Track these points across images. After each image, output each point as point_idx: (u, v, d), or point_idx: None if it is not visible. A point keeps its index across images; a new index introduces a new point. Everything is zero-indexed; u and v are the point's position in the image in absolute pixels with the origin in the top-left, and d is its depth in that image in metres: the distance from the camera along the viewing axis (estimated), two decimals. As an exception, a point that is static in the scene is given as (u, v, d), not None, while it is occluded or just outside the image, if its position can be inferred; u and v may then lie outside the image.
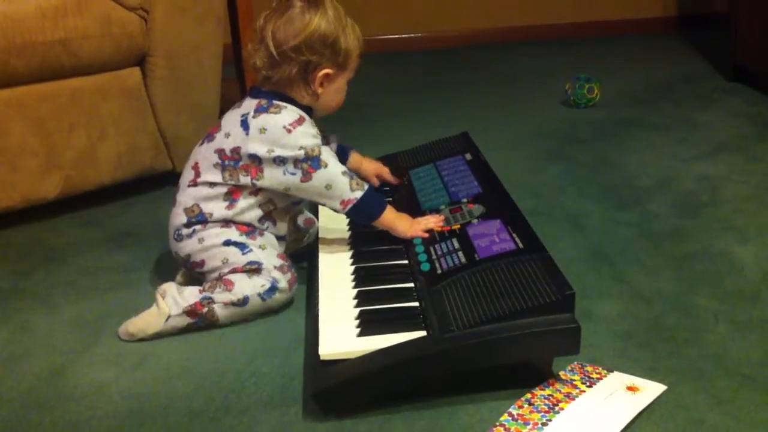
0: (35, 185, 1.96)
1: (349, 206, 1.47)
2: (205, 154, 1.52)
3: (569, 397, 1.21)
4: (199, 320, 1.46)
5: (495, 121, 2.78)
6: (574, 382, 1.25)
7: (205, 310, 1.46)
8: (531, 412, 1.18)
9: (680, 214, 1.93)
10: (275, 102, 1.48)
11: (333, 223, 1.67)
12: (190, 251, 1.52)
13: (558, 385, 1.24)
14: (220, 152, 1.49)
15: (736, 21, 3.11)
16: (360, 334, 1.27)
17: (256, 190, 1.49)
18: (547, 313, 1.18)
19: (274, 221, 1.55)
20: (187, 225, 1.51)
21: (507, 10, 4.10)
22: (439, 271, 1.37)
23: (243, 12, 2.55)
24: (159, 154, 2.16)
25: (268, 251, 1.51)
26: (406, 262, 1.48)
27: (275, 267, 1.49)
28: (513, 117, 2.84)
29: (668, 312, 1.48)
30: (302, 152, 1.44)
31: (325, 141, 1.55)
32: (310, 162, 1.44)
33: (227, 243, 1.49)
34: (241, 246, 1.49)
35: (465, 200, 1.59)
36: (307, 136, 1.45)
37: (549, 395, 1.21)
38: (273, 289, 1.48)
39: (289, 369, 1.35)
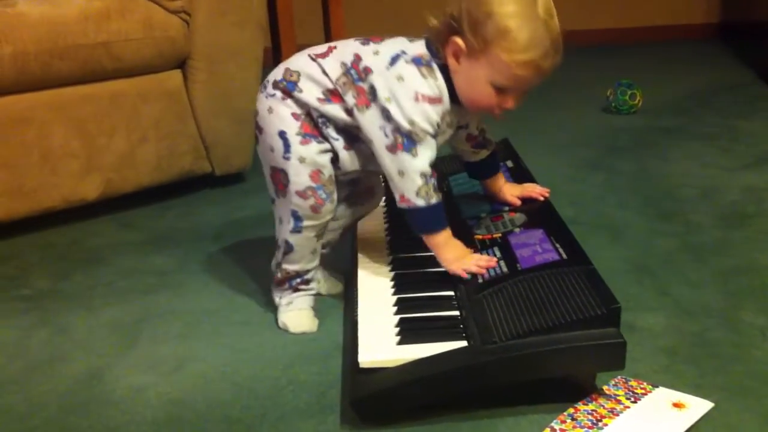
0: (76, 187, 1.98)
1: (404, 205, 1.37)
2: (346, 47, 1.42)
3: (613, 412, 1.18)
4: (289, 282, 1.51)
5: (535, 128, 2.75)
6: (618, 398, 1.22)
7: (279, 274, 1.50)
8: (574, 427, 1.16)
9: (724, 225, 1.89)
10: (434, 65, 1.35)
11: (371, 229, 1.66)
12: (259, 108, 1.45)
13: (601, 400, 1.21)
14: (356, 58, 1.39)
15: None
16: (400, 343, 1.26)
17: (351, 112, 1.38)
18: (592, 327, 1.16)
19: (350, 145, 1.42)
20: (275, 85, 1.42)
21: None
22: (480, 280, 1.35)
23: (283, 17, 2.55)
24: (198, 158, 2.17)
25: (304, 166, 1.40)
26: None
27: (297, 191, 1.41)
28: (554, 123, 2.81)
29: (714, 327, 1.45)
30: (407, 126, 1.32)
31: (479, 145, 1.52)
32: (405, 139, 1.33)
33: (281, 134, 1.40)
34: (287, 147, 1.40)
35: (506, 209, 1.57)
36: (425, 118, 1.33)
37: (592, 410, 1.19)
38: (297, 219, 1.43)
39: (327, 377, 1.34)
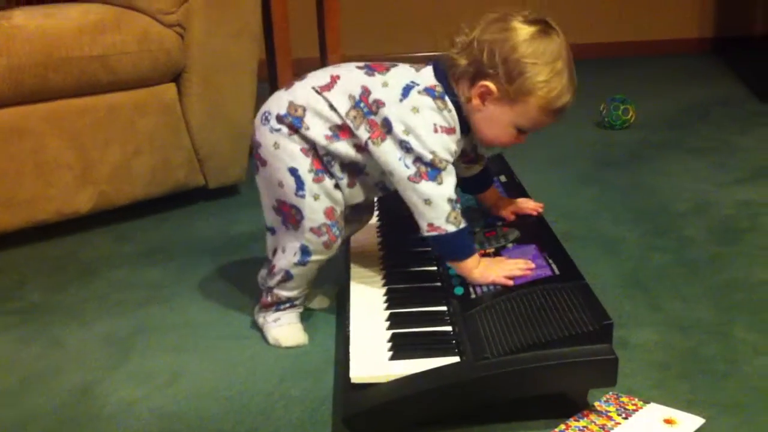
0: (70, 199, 1.98)
1: (434, 233, 1.35)
2: (351, 78, 1.39)
3: (604, 429, 1.18)
4: (277, 306, 1.51)
5: (529, 143, 2.72)
6: (609, 414, 1.22)
7: (270, 298, 1.50)
8: (566, 443, 1.16)
9: (718, 240, 1.90)
10: (446, 98, 1.35)
11: (365, 243, 1.66)
12: (263, 142, 1.41)
13: (593, 417, 1.22)
14: (365, 90, 1.37)
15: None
16: (392, 358, 1.25)
17: (363, 147, 1.38)
18: (585, 343, 1.16)
19: (353, 180, 1.43)
20: (280, 120, 1.39)
21: (541, 30, 4.08)
22: (473, 296, 1.35)
23: (278, 29, 2.56)
24: (192, 171, 2.17)
25: (319, 203, 1.40)
26: (439, 284, 1.46)
27: (311, 228, 1.41)
28: (547, 138, 2.79)
29: (706, 342, 1.45)
30: (430, 156, 1.32)
31: (471, 161, 1.52)
32: (429, 169, 1.33)
33: (292, 171, 1.39)
34: (300, 184, 1.39)
35: (500, 224, 1.57)
36: (445, 149, 1.34)
37: (584, 427, 1.19)
38: (306, 253, 1.43)
39: (319, 392, 1.34)
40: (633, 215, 2.08)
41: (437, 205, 1.34)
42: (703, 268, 1.75)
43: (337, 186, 1.41)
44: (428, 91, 1.35)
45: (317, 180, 1.39)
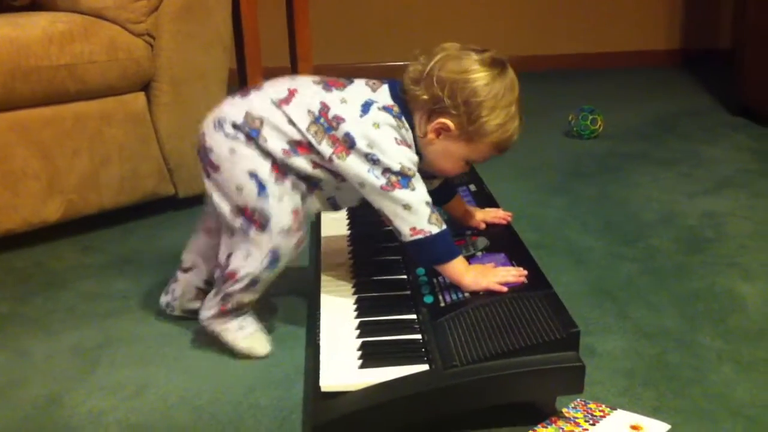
0: (37, 209, 1.96)
1: (419, 236, 1.35)
2: (309, 94, 1.39)
3: (572, 435, 1.19)
4: (235, 313, 1.47)
5: (498, 152, 2.77)
6: (576, 420, 1.23)
7: (230, 305, 1.45)
8: (533, 450, 1.16)
9: (684, 250, 1.92)
10: (403, 119, 1.38)
11: (335, 252, 1.66)
12: (215, 147, 1.40)
13: (560, 423, 1.22)
14: (324, 106, 1.37)
15: (741, 57, 3.12)
16: (362, 366, 1.26)
17: (324, 163, 1.39)
18: (552, 351, 1.17)
19: (311, 192, 1.44)
20: (236, 127, 1.38)
21: (511, 40, 4.11)
22: (443, 304, 1.35)
23: (249, 39, 2.56)
24: (162, 180, 2.16)
25: (283, 204, 1.39)
26: (408, 293, 1.47)
27: (280, 231, 1.39)
28: (516, 148, 2.81)
29: (672, 350, 1.47)
30: (398, 166, 1.33)
31: (429, 176, 1.49)
32: (399, 177, 1.34)
33: (252, 175, 1.38)
34: (261, 187, 1.38)
35: (468, 232, 1.58)
36: (409, 159, 1.36)
37: (552, 433, 1.20)
38: (275, 257, 1.41)
39: (289, 401, 1.34)
40: (601, 225, 2.10)
41: (417, 208, 1.35)
42: (670, 277, 1.77)
43: (297, 190, 1.41)
44: (386, 109, 1.37)
45: (279, 181, 1.39)
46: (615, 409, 1.27)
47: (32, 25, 1.91)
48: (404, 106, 1.39)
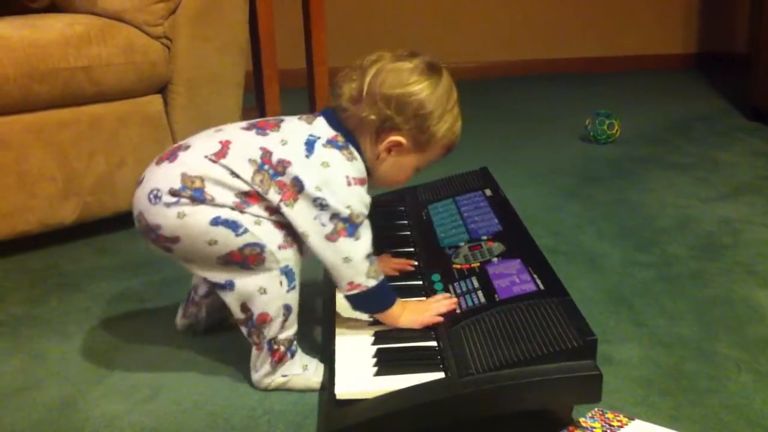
0: (53, 210, 1.96)
1: (355, 291, 1.33)
2: (245, 141, 1.33)
3: (589, 445, 1.19)
4: (290, 354, 1.38)
5: (514, 157, 2.77)
6: (594, 430, 1.22)
7: (282, 348, 1.36)
8: (550, 460, 1.15)
9: (701, 257, 1.91)
10: (350, 147, 1.35)
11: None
12: (162, 222, 1.29)
13: (577, 433, 1.22)
14: (265, 152, 1.31)
15: (756, 61, 3.10)
16: (377, 374, 1.25)
17: (276, 209, 1.32)
18: (569, 359, 1.16)
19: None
20: (175, 193, 1.28)
21: (527, 44, 4.10)
22: (458, 311, 1.35)
23: (265, 41, 2.56)
24: (177, 182, 2.16)
25: (264, 224, 1.31)
26: (424, 299, 1.46)
27: (278, 247, 1.32)
28: (532, 152, 2.82)
29: (689, 359, 1.46)
30: (347, 212, 1.30)
31: None
32: (346, 225, 1.30)
33: (216, 222, 1.28)
34: (233, 225, 1.29)
35: (485, 238, 1.57)
36: (361, 201, 1.32)
37: (568, 443, 1.19)
38: (291, 275, 1.34)
39: (303, 407, 1.33)
40: (616, 230, 2.09)
41: (356, 263, 1.32)
42: (686, 284, 1.76)
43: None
44: (331, 142, 1.34)
45: (245, 212, 1.31)
46: (633, 419, 1.26)
47: (50, 27, 1.92)
48: (347, 132, 1.36)
